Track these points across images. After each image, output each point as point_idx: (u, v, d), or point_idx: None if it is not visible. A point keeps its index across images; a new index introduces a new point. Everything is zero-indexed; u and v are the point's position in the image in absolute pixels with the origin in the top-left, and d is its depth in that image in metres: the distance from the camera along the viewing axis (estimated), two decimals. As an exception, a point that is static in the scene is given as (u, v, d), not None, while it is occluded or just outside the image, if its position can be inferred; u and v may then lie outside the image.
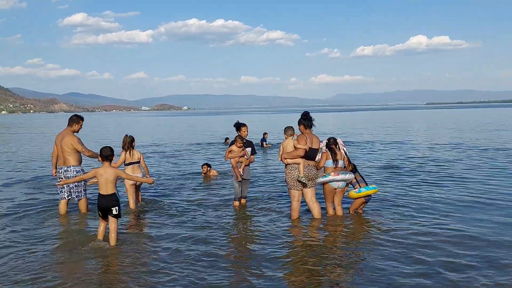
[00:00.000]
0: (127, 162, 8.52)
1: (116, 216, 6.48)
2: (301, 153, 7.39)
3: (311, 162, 7.58)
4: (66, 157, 8.08)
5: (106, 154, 6.55)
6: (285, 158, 7.50)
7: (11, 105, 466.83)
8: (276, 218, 7.88)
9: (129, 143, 8.60)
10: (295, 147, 7.43)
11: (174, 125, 59.66)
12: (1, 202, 9.47)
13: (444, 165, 13.82)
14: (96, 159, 7.74)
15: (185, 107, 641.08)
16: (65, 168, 8.08)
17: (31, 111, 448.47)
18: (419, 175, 12.08)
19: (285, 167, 7.64)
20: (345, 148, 8.02)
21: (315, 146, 7.57)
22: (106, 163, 6.53)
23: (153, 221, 7.85)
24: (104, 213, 6.48)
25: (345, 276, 5.27)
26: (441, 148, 19.46)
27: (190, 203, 9.17)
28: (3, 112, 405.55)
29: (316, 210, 7.69)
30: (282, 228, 7.24)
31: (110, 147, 6.65)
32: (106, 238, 6.52)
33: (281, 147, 7.67)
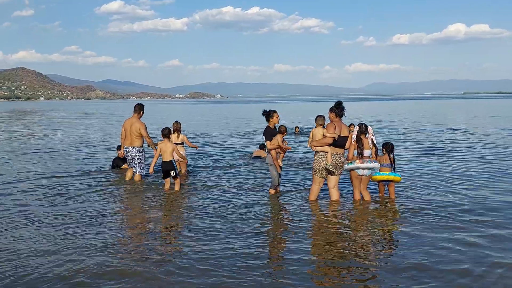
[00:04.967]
0: (174, 142, 9.90)
1: (174, 178, 9.04)
2: (330, 141, 7.58)
3: (339, 150, 7.75)
4: (134, 139, 9.78)
5: (165, 133, 9.09)
6: (314, 146, 7.77)
7: (49, 92, 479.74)
8: (307, 206, 7.88)
9: (178, 128, 10.57)
10: (324, 135, 7.66)
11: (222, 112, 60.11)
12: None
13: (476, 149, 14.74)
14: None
15: (218, 95, 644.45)
16: (131, 148, 9.86)
17: (68, 97, 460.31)
18: (450, 161, 12.71)
19: (314, 154, 7.90)
20: (373, 137, 8.01)
21: (343, 134, 7.74)
22: (166, 139, 9.07)
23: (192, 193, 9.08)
24: (166, 174, 9.00)
25: (366, 268, 5.21)
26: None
27: (228, 183, 9.94)
28: (41, 98, 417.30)
29: (334, 197, 7.99)
30: (306, 215, 7.32)
31: (168, 128, 9.25)
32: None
33: (311, 134, 7.90)
